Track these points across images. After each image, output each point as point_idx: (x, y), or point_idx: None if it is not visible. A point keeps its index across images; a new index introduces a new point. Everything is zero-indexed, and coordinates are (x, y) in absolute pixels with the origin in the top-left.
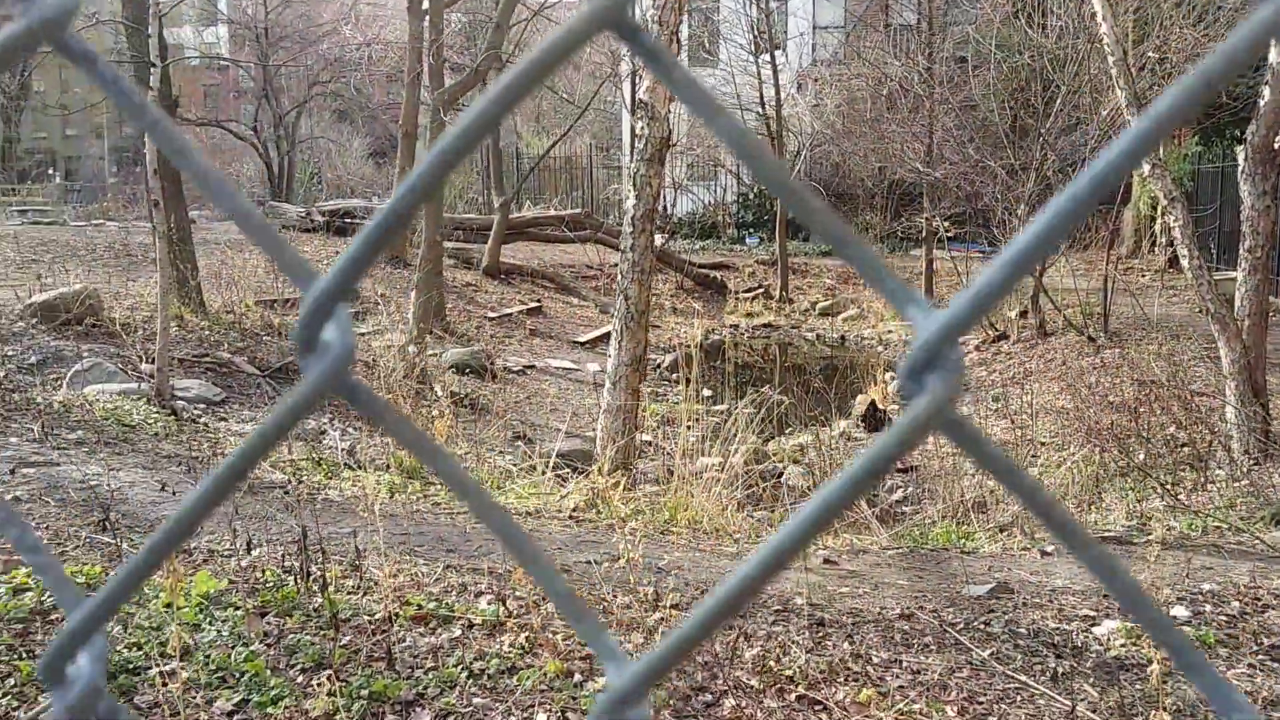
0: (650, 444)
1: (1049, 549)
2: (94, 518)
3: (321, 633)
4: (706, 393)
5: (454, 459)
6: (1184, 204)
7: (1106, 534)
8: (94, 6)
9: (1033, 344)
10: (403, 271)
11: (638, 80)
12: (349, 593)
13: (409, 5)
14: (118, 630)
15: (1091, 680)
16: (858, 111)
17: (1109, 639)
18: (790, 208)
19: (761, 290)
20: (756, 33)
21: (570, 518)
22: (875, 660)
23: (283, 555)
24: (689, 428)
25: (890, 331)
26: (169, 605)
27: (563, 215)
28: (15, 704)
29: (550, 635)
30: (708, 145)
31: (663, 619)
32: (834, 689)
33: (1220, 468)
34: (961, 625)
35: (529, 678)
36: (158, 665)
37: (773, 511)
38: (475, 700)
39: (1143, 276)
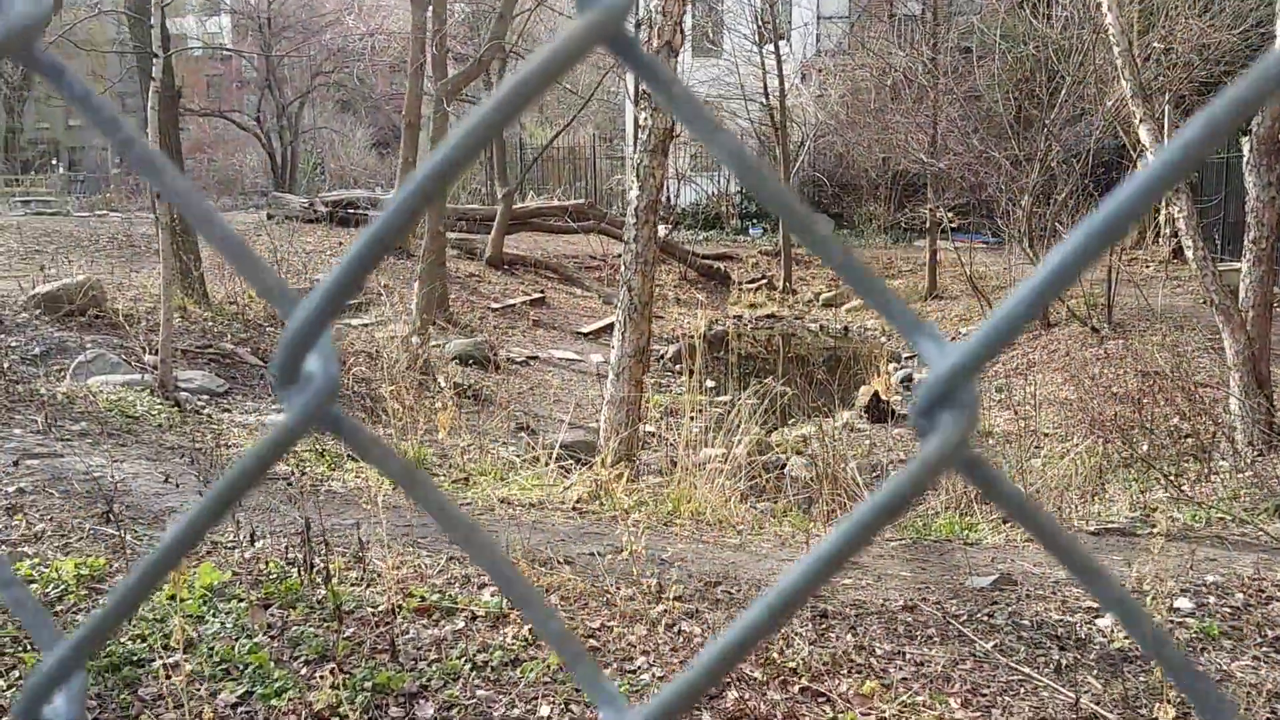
0: (653, 435)
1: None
2: (97, 509)
3: (325, 625)
4: (710, 384)
5: (443, 494)
6: (1189, 195)
7: (1110, 525)
8: None
9: (1036, 334)
10: (406, 262)
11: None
12: (352, 585)
13: None
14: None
15: (1095, 672)
16: (862, 102)
17: (1113, 631)
18: (793, 229)
19: (765, 281)
20: (760, 22)
21: (573, 509)
22: (878, 652)
23: (286, 547)
24: (692, 419)
25: None
26: (172, 597)
27: (566, 206)
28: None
29: None
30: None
31: (666, 611)
32: (837, 681)
33: (1224, 459)
34: (965, 617)
35: (532, 670)
36: (161, 657)
37: (775, 503)
38: (479, 692)
39: (1147, 267)
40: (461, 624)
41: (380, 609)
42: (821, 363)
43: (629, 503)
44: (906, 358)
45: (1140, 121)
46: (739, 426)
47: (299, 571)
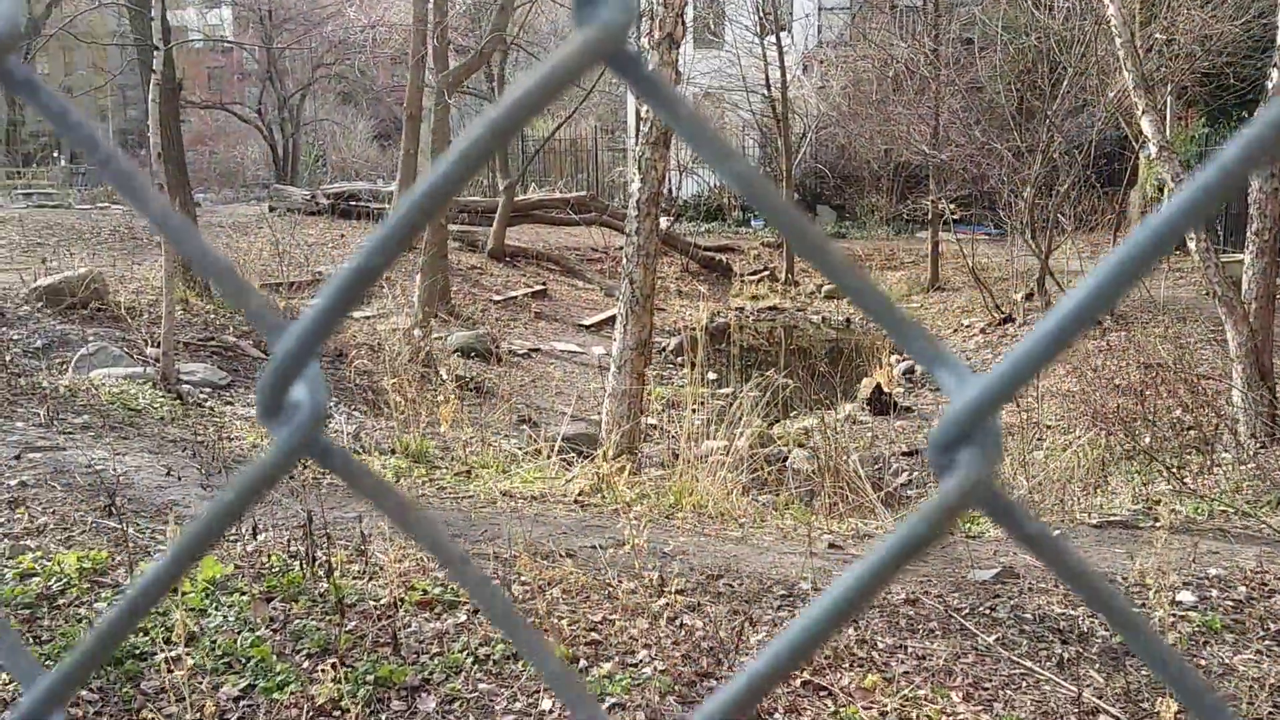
0: (655, 428)
1: (1054, 533)
2: (100, 502)
3: (327, 618)
4: (711, 376)
5: (442, 531)
6: None
7: (1112, 518)
8: None
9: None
10: (408, 254)
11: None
12: (354, 578)
13: None
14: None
15: (1097, 666)
16: (863, 93)
17: None
18: (805, 254)
19: (767, 273)
20: (762, 14)
21: (575, 502)
22: (880, 646)
23: (288, 540)
24: (694, 411)
25: None
26: (174, 591)
27: (568, 198)
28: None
29: (556, 620)
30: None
31: (668, 604)
32: (839, 674)
33: (1226, 451)
34: (967, 610)
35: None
36: (163, 651)
37: (777, 495)
38: (480, 686)
39: None
40: (464, 617)
41: (382, 602)
42: (823, 355)
43: (631, 495)
44: None
45: (1142, 113)
46: (741, 419)
47: (301, 565)
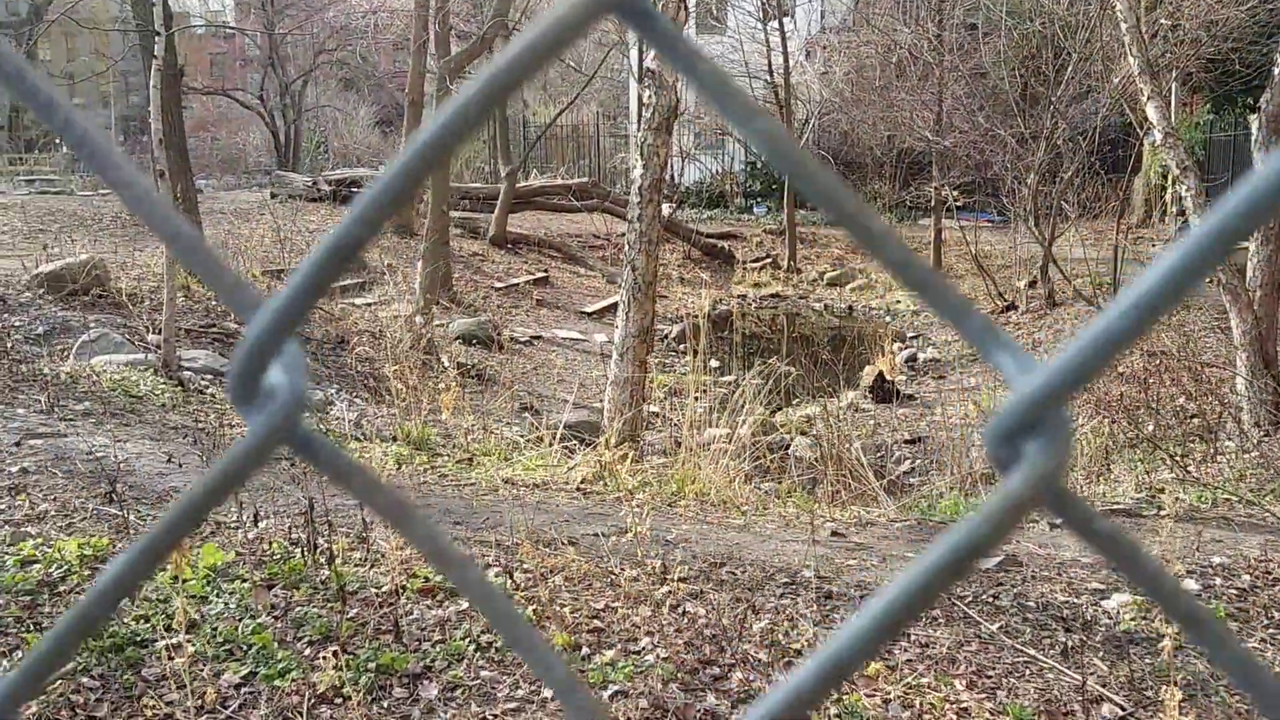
0: (657, 415)
1: (1057, 521)
2: (101, 489)
3: (329, 605)
4: (714, 364)
5: (440, 532)
6: (1196, 173)
7: (1115, 506)
8: None
9: (1041, 314)
10: (409, 241)
11: (645, 48)
12: (356, 565)
13: None
14: (124, 602)
15: (1101, 654)
16: (867, 79)
17: (1119, 612)
18: (842, 223)
19: (769, 260)
20: None
21: (578, 490)
22: None
23: (290, 527)
24: (696, 399)
25: (899, 302)
26: (175, 578)
27: (569, 184)
28: None
29: (558, 608)
30: (715, 114)
31: (670, 592)
32: None
33: (1230, 439)
34: (970, 598)
35: None
36: (165, 638)
37: (780, 483)
38: (483, 673)
39: (1153, 246)
40: (465, 605)
41: (384, 590)
42: (826, 342)
43: (633, 483)
44: (911, 337)
45: (1147, 99)
46: (743, 407)
47: (302, 552)
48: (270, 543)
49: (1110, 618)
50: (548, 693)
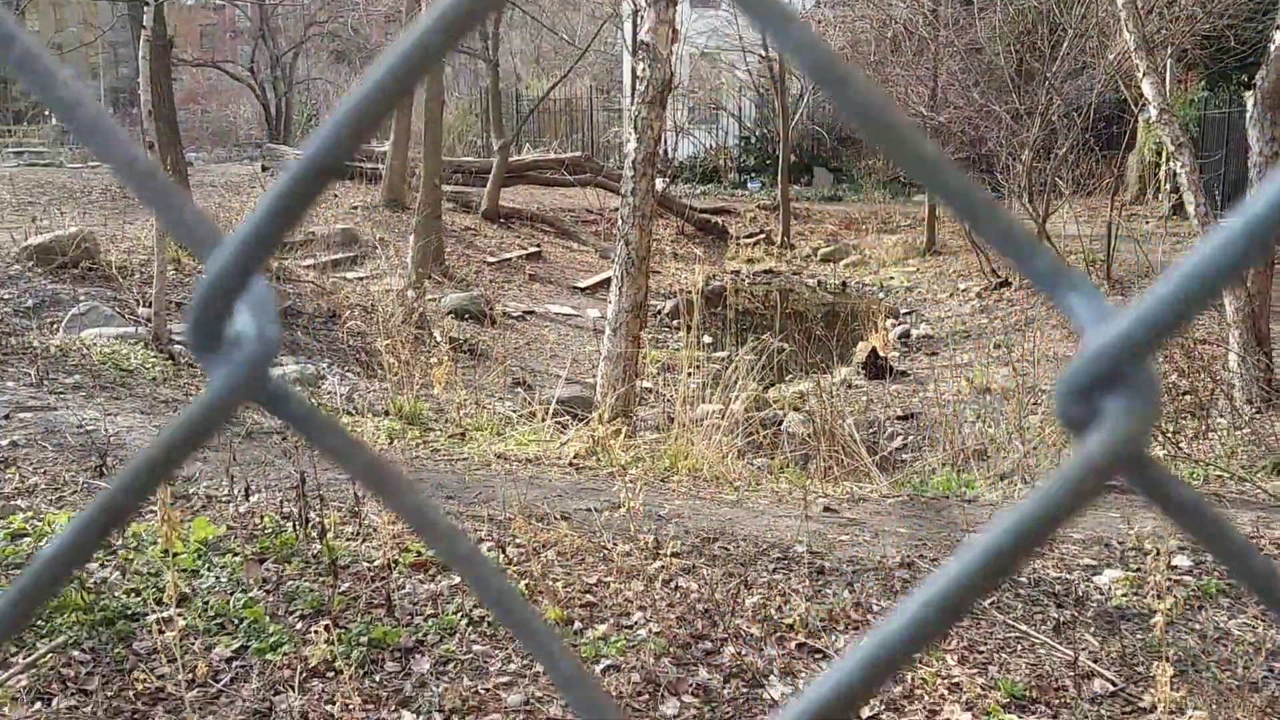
0: (650, 391)
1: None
2: (91, 463)
3: (320, 579)
4: (707, 339)
5: (420, 494)
6: (1191, 150)
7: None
8: None
9: (1035, 290)
10: (401, 215)
11: (639, 21)
12: (348, 539)
13: None
14: (115, 576)
15: (1093, 630)
16: (861, 54)
17: (1110, 588)
18: (877, 135)
19: (763, 236)
20: None
21: (570, 465)
22: (876, 609)
23: (281, 501)
24: (689, 375)
25: (892, 278)
26: (166, 552)
27: (562, 159)
28: (14, 649)
29: (550, 583)
30: (709, 88)
31: (663, 567)
32: (834, 637)
33: (1222, 416)
34: None
35: None
36: (156, 611)
37: (772, 459)
38: (475, 647)
39: (1146, 223)
40: (458, 579)
41: (376, 564)
42: (819, 318)
43: (626, 459)
44: (904, 314)
45: (1143, 75)
46: (736, 383)
47: (294, 526)
48: (262, 517)
49: (1102, 593)
50: (540, 667)
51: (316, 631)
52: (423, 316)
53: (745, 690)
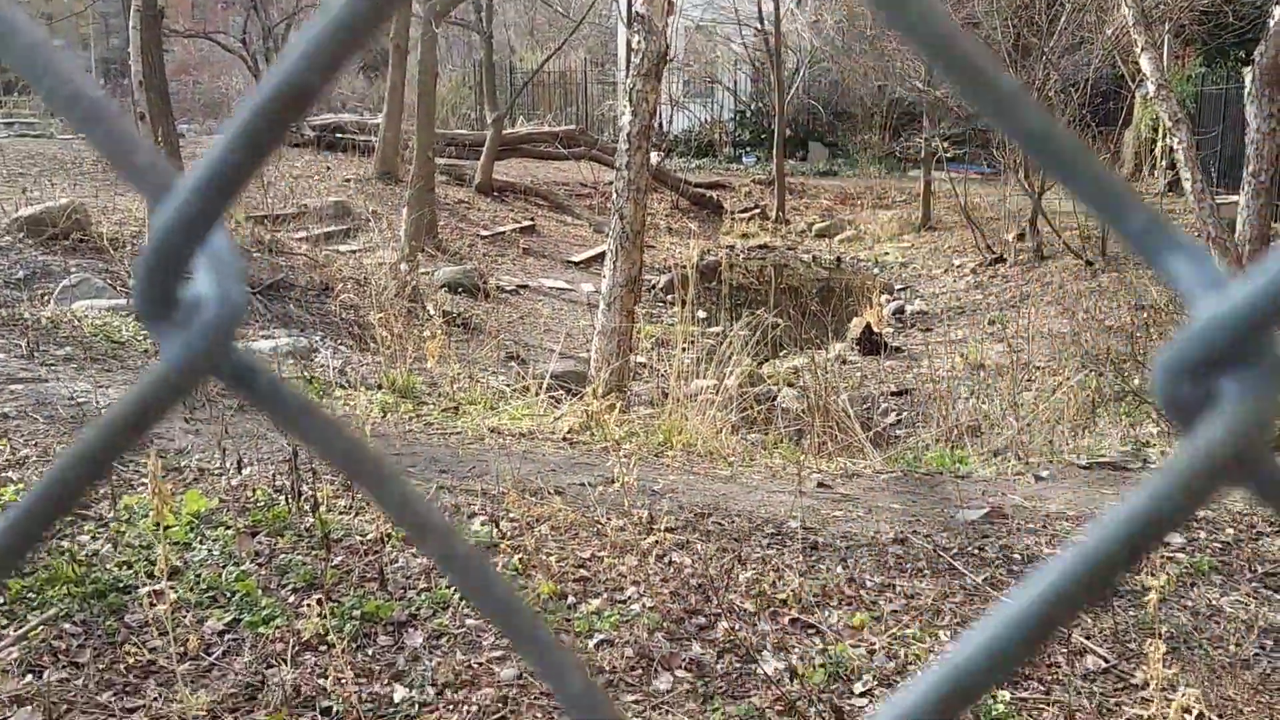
0: (645, 366)
1: (1043, 474)
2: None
3: (313, 553)
4: (701, 314)
5: (408, 483)
6: (1188, 126)
7: (1101, 459)
8: None
9: (1030, 267)
10: (394, 188)
11: None
12: (341, 513)
13: None
14: (107, 548)
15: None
16: (858, 28)
17: None
18: (950, 70)
19: (758, 210)
20: None
21: (564, 440)
22: (869, 584)
23: (274, 474)
24: (684, 350)
25: (887, 254)
26: (158, 525)
27: (557, 132)
28: (4, 622)
29: (544, 558)
30: (705, 61)
31: (657, 542)
32: (828, 613)
33: None
34: (955, 550)
35: (522, 599)
36: (147, 584)
37: (766, 434)
38: (468, 621)
39: (1142, 200)
40: None
41: (369, 537)
42: (814, 294)
43: (620, 434)
44: (899, 290)
45: (1141, 50)
46: (731, 358)
47: (287, 499)
48: (254, 490)
49: None
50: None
51: (309, 605)
52: (416, 290)
53: (739, 665)
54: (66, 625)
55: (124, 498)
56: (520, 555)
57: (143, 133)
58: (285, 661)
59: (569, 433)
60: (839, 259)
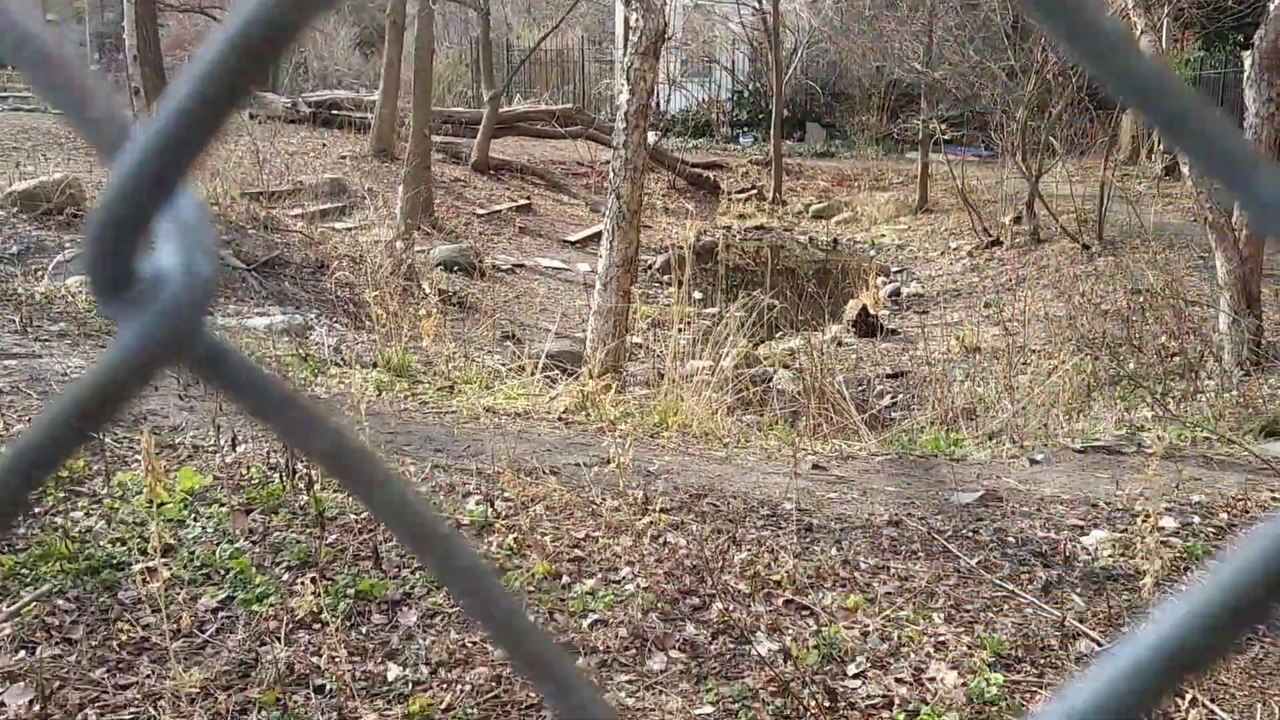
0: (640, 346)
1: (1038, 457)
2: None
3: (307, 531)
4: (697, 295)
5: (403, 486)
6: None
7: (1095, 443)
8: None
9: (1026, 250)
10: (390, 165)
11: None
12: (335, 491)
13: None
14: (101, 525)
15: (1079, 590)
16: (856, 8)
17: (1097, 549)
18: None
19: (755, 191)
20: None
21: (559, 419)
22: (863, 566)
23: (268, 452)
24: (680, 330)
25: (883, 236)
26: (151, 502)
27: (553, 110)
28: None
29: (539, 537)
30: (702, 40)
31: (652, 522)
32: (821, 594)
33: (1210, 378)
34: (950, 533)
35: (517, 579)
36: (141, 561)
37: (762, 416)
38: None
39: (1139, 184)
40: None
41: (363, 516)
42: (810, 276)
43: (615, 414)
44: (895, 272)
45: (1140, 32)
46: (726, 339)
47: (281, 477)
48: (249, 467)
49: (1089, 554)
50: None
51: (303, 583)
52: (411, 268)
53: (732, 646)
54: (59, 601)
55: (118, 474)
56: (515, 535)
57: (138, 107)
58: (279, 639)
59: (564, 413)
60: (835, 240)
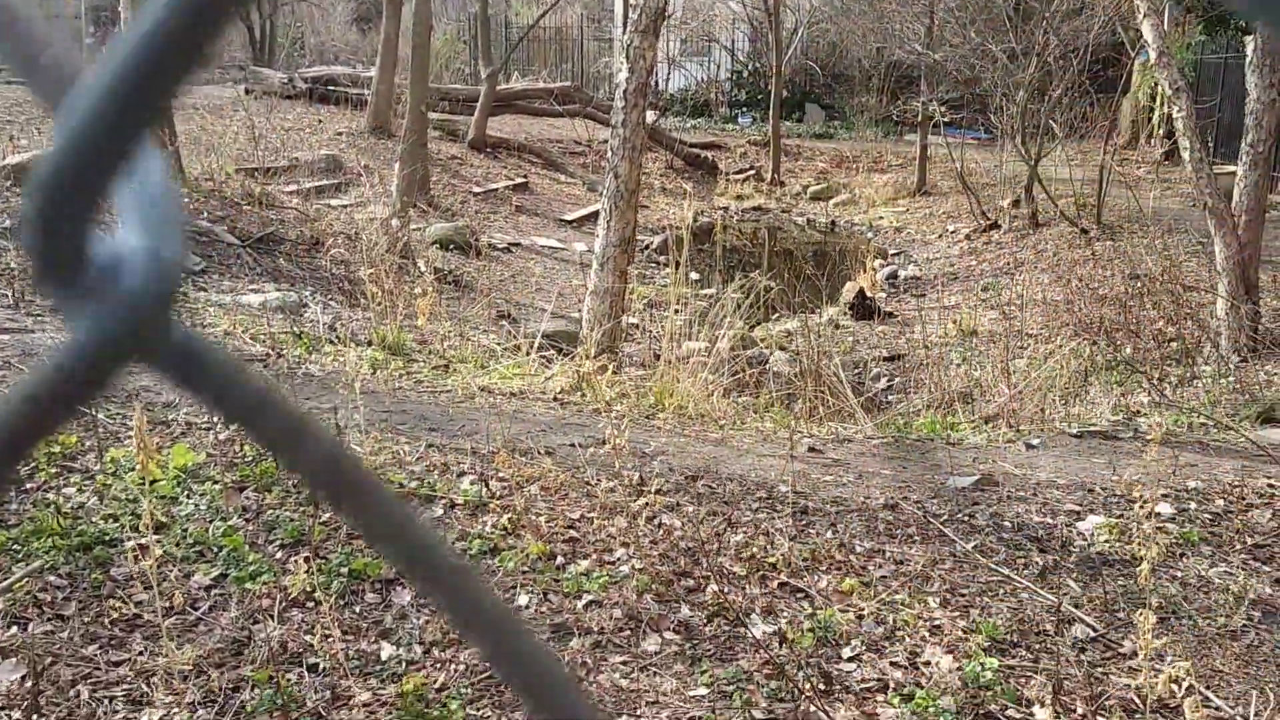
0: (637, 327)
1: (1034, 442)
2: None
3: (301, 509)
4: (694, 276)
5: (399, 505)
6: (1189, 95)
7: (1092, 428)
8: None
9: (1024, 234)
10: (386, 143)
11: None
12: None
13: None
14: (93, 501)
15: (1075, 575)
16: None
17: (1093, 534)
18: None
19: (753, 172)
20: None
21: (555, 400)
22: (858, 550)
23: None
24: (676, 311)
25: (881, 218)
26: (144, 479)
27: (551, 88)
28: None
29: (533, 517)
30: (702, 19)
31: (647, 504)
32: (817, 577)
33: (1207, 364)
34: (945, 517)
35: (511, 559)
36: (134, 538)
37: (758, 398)
38: None
39: (1138, 169)
40: (440, 512)
41: None
42: (807, 258)
43: (611, 395)
44: (893, 255)
45: (1143, 16)
46: (723, 320)
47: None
48: (242, 445)
49: (1085, 539)
50: (522, 600)
51: (296, 561)
52: (407, 246)
53: (727, 628)
54: (51, 578)
55: (110, 450)
56: (509, 515)
57: None
58: (272, 617)
59: (560, 393)
60: (833, 222)
